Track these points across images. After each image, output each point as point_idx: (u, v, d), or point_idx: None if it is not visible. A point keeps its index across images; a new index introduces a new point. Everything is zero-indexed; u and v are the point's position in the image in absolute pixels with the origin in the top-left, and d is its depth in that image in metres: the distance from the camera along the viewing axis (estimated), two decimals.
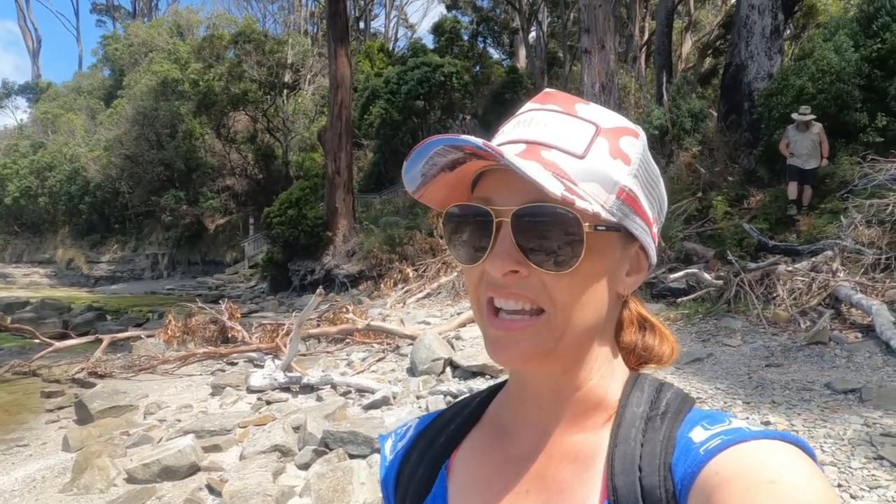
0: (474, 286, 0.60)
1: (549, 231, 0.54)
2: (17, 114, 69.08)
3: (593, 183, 0.56)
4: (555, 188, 0.51)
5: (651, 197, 0.61)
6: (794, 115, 8.86)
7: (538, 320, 0.56)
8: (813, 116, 8.73)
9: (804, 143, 8.73)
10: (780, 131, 9.26)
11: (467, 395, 0.77)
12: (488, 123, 23.12)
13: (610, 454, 0.58)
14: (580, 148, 0.56)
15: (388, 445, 0.76)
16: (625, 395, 0.62)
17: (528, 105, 0.62)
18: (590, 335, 0.60)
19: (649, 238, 0.61)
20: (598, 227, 0.55)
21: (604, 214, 0.55)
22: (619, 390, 0.63)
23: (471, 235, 0.59)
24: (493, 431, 0.68)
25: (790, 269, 7.26)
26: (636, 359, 0.68)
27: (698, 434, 0.55)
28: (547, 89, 0.64)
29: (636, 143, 0.60)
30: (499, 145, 0.58)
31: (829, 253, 7.20)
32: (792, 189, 8.86)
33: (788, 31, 18.24)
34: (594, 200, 0.55)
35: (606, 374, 0.63)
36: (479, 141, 0.51)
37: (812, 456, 0.51)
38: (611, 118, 0.60)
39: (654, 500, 0.53)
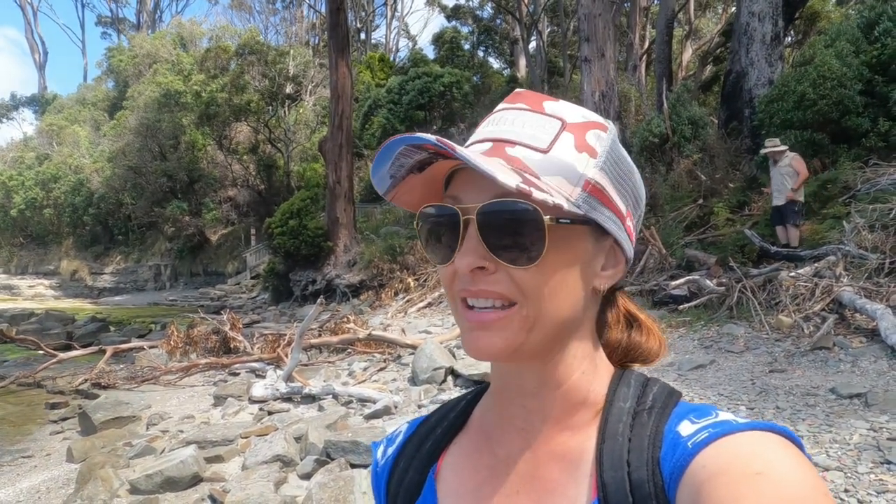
0: (448, 285, 0.60)
1: (512, 226, 0.55)
2: (24, 126, 69.82)
3: (557, 176, 0.56)
4: (510, 181, 0.51)
5: (623, 189, 0.61)
6: (761, 150, 8.42)
7: (510, 312, 0.56)
8: (778, 148, 8.20)
9: (776, 178, 8.24)
10: (781, 138, 9.26)
11: (452, 398, 0.77)
12: None
13: (598, 451, 0.58)
14: (544, 143, 0.57)
15: (379, 451, 0.76)
16: (611, 391, 0.62)
17: (500, 105, 0.63)
18: (565, 328, 0.60)
19: (623, 232, 0.61)
20: (562, 220, 0.56)
21: (567, 206, 0.55)
22: (604, 387, 0.63)
23: (442, 235, 0.59)
24: (480, 434, 0.68)
25: (793, 274, 7.24)
26: (622, 355, 0.68)
27: (686, 428, 0.55)
28: (518, 90, 0.64)
29: (604, 137, 0.60)
30: (468, 145, 0.59)
31: (832, 258, 7.18)
32: (779, 233, 8.34)
33: (789, 38, 18.30)
34: (557, 193, 0.55)
35: (589, 370, 0.62)
36: (433, 138, 0.52)
37: (800, 446, 0.51)
38: (578, 113, 0.60)
39: (643, 494, 0.53)
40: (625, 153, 0.62)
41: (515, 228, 0.55)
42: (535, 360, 0.60)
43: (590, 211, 0.57)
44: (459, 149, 0.51)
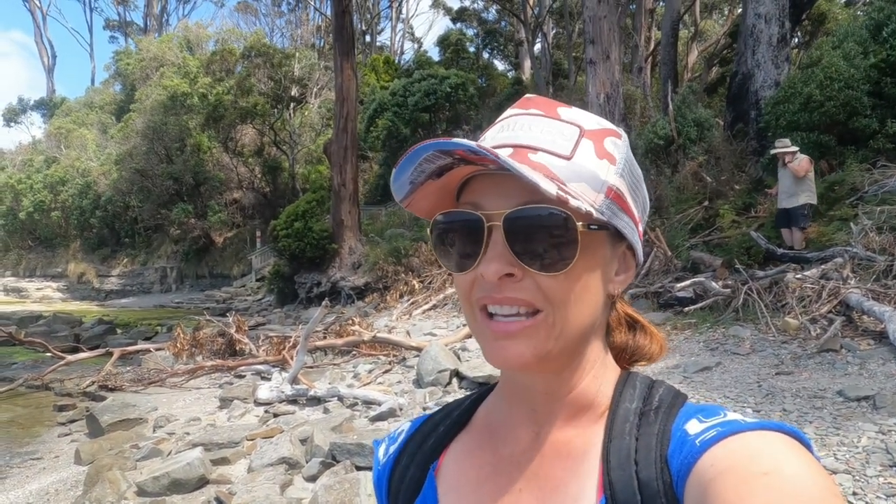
0: (466, 293, 0.59)
1: (542, 232, 0.55)
2: (32, 129, 70.46)
3: (582, 183, 0.56)
4: (550, 187, 0.51)
5: (636, 196, 0.62)
6: (771, 151, 8.41)
7: (535, 320, 0.56)
8: (789, 149, 8.11)
9: (784, 180, 8.17)
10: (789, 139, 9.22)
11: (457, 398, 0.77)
12: None
13: (605, 449, 0.58)
14: (566, 149, 0.57)
15: (381, 450, 0.76)
16: (617, 392, 0.63)
17: (511, 111, 0.62)
18: (584, 335, 0.60)
19: (637, 237, 0.62)
20: (591, 227, 0.56)
21: (595, 214, 0.55)
22: (610, 388, 0.63)
23: (461, 242, 0.59)
24: (484, 433, 0.68)
25: (799, 276, 7.20)
26: (629, 357, 0.69)
27: (693, 426, 0.55)
28: (528, 95, 0.64)
29: (620, 144, 0.60)
30: None
31: (840, 260, 7.14)
32: (785, 235, 8.31)
33: (796, 40, 18.23)
34: (584, 200, 0.55)
35: (599, 374, 0.63)
36: (472, 144, 0.51)
37: (808, 446, 0.51)
38: (593, 120, 0.60)
39: (651, 492, 0.53)
40: (635, 161, 0.63)
41: (546, 235, 0.55)
42: (553, 368, 0.60)
43: (611, 217, 0.58)
44: (502, 155, 0.51)
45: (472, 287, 0.58)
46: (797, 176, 7.98)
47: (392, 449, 0.75)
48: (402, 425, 0.78)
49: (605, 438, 0.59)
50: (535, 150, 0.57)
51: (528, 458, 0.62)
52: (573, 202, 0.53)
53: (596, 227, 0.57)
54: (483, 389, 0.74)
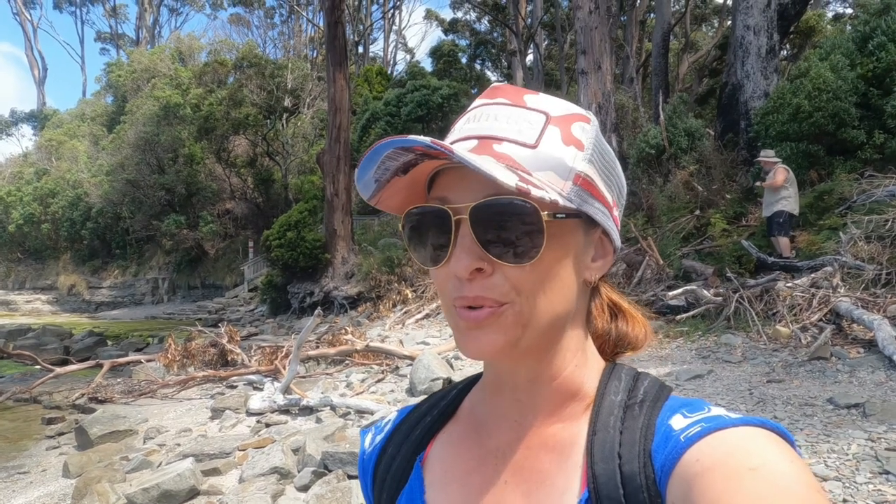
0: (443, 287, 0.59)
1: (508, 224, 0.54)
2: (23, 141, 70.13)
3: (548, 171, 0.56)
4: (509, 179, 0.51)
5: (609, 181, 0.61)
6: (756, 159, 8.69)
7: (502, 308, 0.56)
8: (769, 159, 8.38)
9: (766, 190, 8.40)
10: (777, 149, 9.33)
11: (442, 388, 0.77)
12: None
13: (589, 442, 0.58)
14: (532, 138, 0.56)
15: (367, 439, 0.76)
16: (602, 384, 0.62)
17: (478, 101, 0.62)
18: (559, 324, 0.59)
19: (611, 222, 0.62)
20: (558, 215, 0.55)
21: (562, 202, 0.55)
22: (595, 380, 0.63)
23: (431, 236, 0.58)
24: (470, 424, 0.68)
25: (790, 285, 7.25)
26: (612, 347, 0.68)
27: (678, 421, 0.55)
28: (496, 83, 0.63)
29: (588, 129, 0.60)
30: (451, 143, 0.58)
31: (829, 269, 7.20)
32: (774, 243, 8.43)
33: (784, 52, 18.45)
34: (550, 189, 0.55)
35: (581, 363, 0.63)
36: (427, 140, 0.51)
37: (792, 443, 0.51)
38: (561, 106, 0.60)
39: (634, 486, 0.53)
40: (607, 145, 0.62)
41: (512, 226, 0.54)
42: (531, 356, 0.60)
43: (581, 204, 0.57)
44: (457, 150, 0.50)
45: (448, 279, 0.58)
46: (773, 181, 8.22)
47: (378, 438, 0.74)
48: (389, 416, 0.77)
49: (590, 431, 0.59)
50: (500, 140, 0.56)
51: (514, 451, 0.62)
52: (535, 192, 0.52)
53: (563, 215, 0.56)
54: (468, 379, 0.73)
